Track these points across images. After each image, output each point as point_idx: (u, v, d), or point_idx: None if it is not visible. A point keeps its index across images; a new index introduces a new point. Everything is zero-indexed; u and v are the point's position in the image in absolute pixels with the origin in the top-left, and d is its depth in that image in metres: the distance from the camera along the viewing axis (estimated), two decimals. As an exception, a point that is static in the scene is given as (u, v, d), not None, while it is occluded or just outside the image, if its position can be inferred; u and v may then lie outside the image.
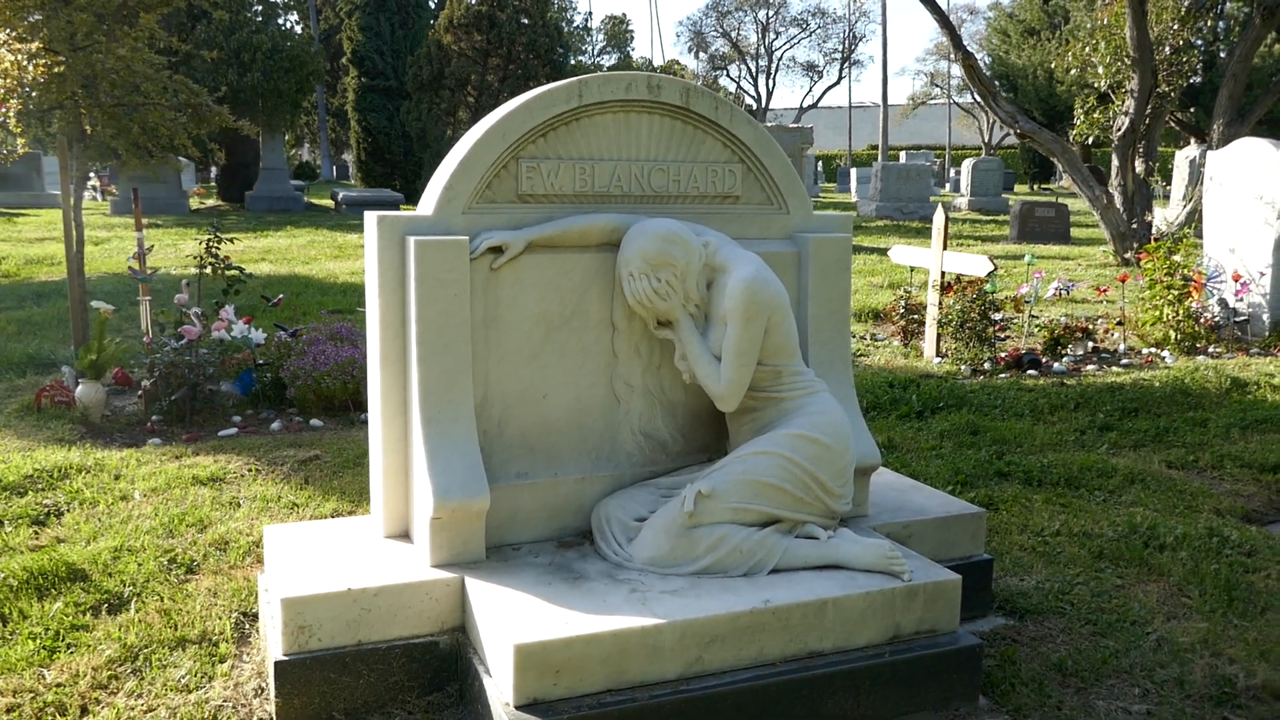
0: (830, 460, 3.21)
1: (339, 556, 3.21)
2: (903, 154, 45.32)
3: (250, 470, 5.06)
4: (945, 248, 8.24)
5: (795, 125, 16.64)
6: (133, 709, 3.01)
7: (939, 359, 8.11)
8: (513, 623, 2.77)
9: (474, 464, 3.15)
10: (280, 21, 26.36)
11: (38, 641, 3.34)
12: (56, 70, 5.34)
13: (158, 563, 3.92)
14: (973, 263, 7.93)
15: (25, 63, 5.12)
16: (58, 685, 3.11)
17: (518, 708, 2.67)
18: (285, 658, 2.94)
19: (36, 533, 4.29)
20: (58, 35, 5.42)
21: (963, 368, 7.81)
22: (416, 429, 3.17)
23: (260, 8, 24.66)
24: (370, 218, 3.26)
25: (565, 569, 3.14)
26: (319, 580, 3.03)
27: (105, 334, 6.15)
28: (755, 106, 60.37)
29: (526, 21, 23.78)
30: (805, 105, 62.63)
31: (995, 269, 7.80)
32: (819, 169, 53.97)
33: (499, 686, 2.75)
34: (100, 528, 4.30)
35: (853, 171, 37.47)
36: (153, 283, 6.49)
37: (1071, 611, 3.76)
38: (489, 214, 3.33)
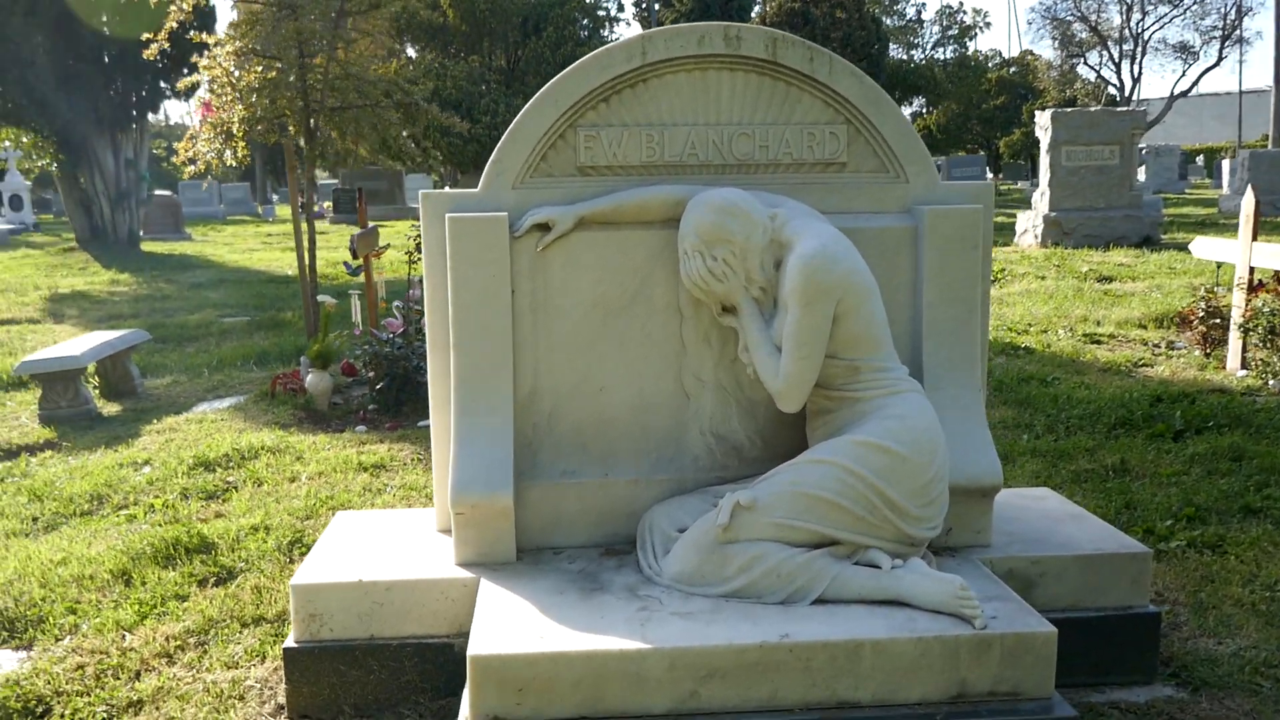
0: (905, 474, 2.66)
1: (374, 547, 3.10)
2: (1293, 143, 39.49)
3: (414, 459, 5.14)
4: (1255, 239, 6.92)
5: (1125, 109, 14.85)
6: (178, 679, 3.06)
7: (1243, 371, 6.81)
8: (488, 632, 2.50)
9: (501, 459, 2.91)
10: (605, 33, 27.47)
11: (139, 607, 3.51)
12: (270, 76, 5.75)
13: (281, 542, 4.03)
14: (1286, 255, 6.58)
15: (234, 70, 5.56)
16: (130, 650, 3.23)
17: (475, 727, 2.40)
18: (295, 645, 2.86)
19: (205, 505, 4.58)
20: (285, 43, 5.85)
21: (1271, 382, 6.49)
22: (452, 419, 2.99)
23: (588, 21, 25.88)
24: (420, 195, 3.12)
25: (591, 579, 2.82)
26: (334, 569, 2.92)
27: (331, 327, 6.54)
28: (1118, 96, 55.21)
29: (842, 16, 23.18)
30: (1177, 93, 56.33)
31: (1315, 262, 6.42)
32: (1192, 163, 48.40)
33: (466, 700, 2.49)
34: (254, 505, 4.51)
35: (1225, 164, 33.13)
36: (361, 275, 6.84)
37: (1269, 691, 2.90)
38: (544, 189, 3.08)
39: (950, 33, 45.73)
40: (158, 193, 24.51)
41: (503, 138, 3.08)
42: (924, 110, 46.94)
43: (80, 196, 18.06)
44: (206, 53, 6.16)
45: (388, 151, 24.20)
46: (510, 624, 2.54)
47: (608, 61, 3.02)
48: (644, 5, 38.56)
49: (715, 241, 2.81)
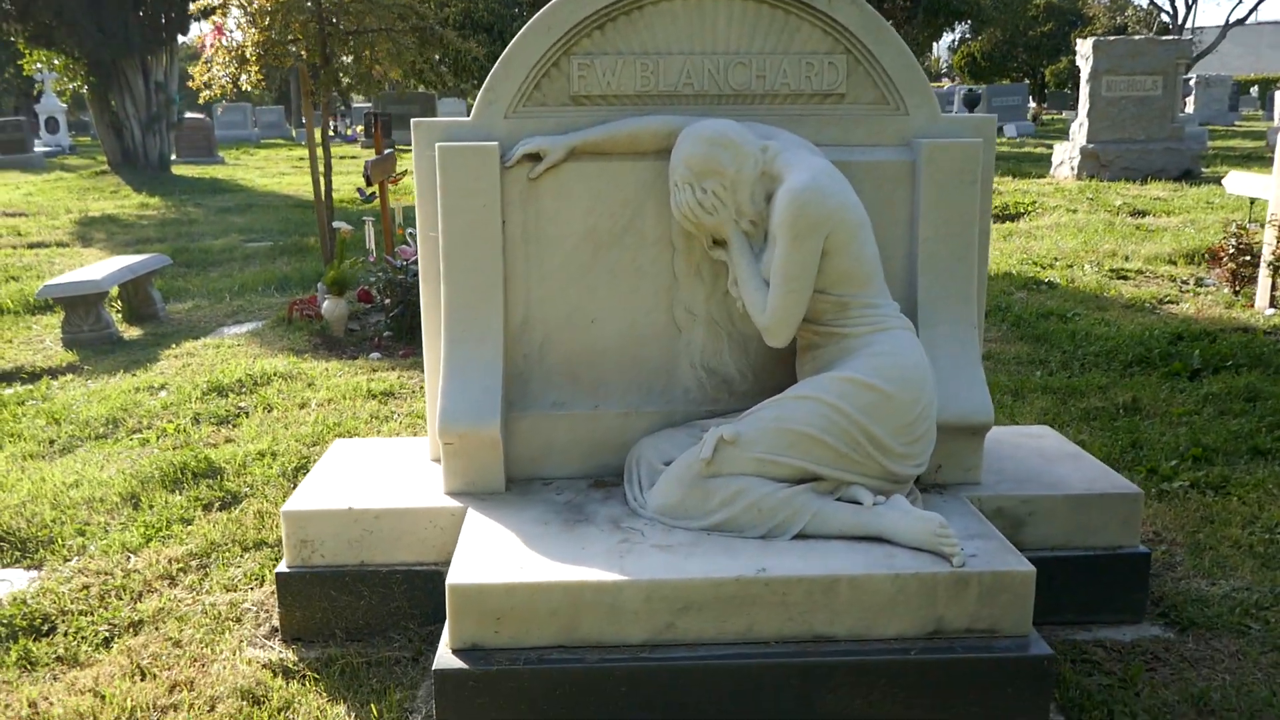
0: (890, 411, 2.64)
1: (367, 475, 3.14)
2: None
3: (422, 387, 5.18)
4: (1290, 173, 6.73)
5: (1170, 37, 14.38)
6: (178, 600, 3.14)
7: (1271, 310, 6.67)
8: (469, 561, 2.54)
9: (490, 390, 2.92)
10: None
11: (145, 530, 3.59)
12: (280, 2, 5.70)
13: (286, 468, 4.10)
14: (1320, 191, 6.40)
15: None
16: (134, 571, 3.32)
17: (454, 651, 2.44)
18: (287, 570, 2.92)
19: (216, 430, 4.65)
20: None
21: (1298, 321, 6.36)
22: (442, 349, 3.00)
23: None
24: (412, 124, 3.09)
25: (577, 510, 2.85)
26: (326, 497, 2.97)
27: (347, 254, 6.56)
28: (1171, 25, 53.44)
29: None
30: (1232, 21, 54.42)
31: (1349, 199, 6.24)
32: (1246, 94, 46.85)
33: (446, 628, 2.54)
34: (263, 431, 4.58)
35: (1278, 95, 32.09)
36: (375, 203, 6.82)
37: (1258, 632, 2.89)
38: (537, 118, 3.04)
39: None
40: (190, 115, 24.53)
41: (495, 65, 3.04)
42: (968, 36, 45.77)
43: (111, 120, 18.12)
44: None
45: (418, 75, 24.04)
46: (492, 553, 2.58)
47: (602, -13, 2.96)
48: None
49: (705, 174, 2.77)
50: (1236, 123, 31.46)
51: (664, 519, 2.73)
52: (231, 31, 6.05)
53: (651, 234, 3.04)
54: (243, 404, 5.01)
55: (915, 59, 3.10)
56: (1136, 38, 14.73)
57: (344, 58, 6.36)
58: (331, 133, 31.11)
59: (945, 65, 57.84)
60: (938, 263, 3.04)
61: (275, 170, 20.28)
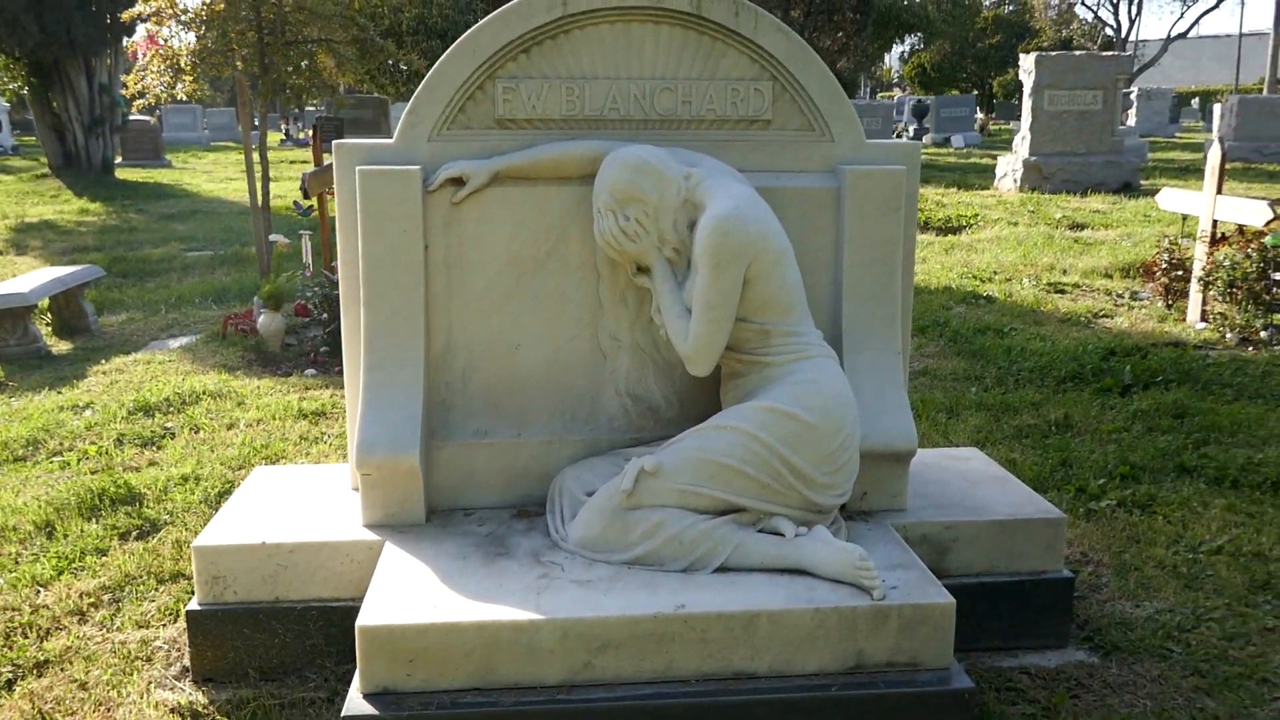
0: (812, 441, 2.62)
1: (285, 506, 3.06)
2: (1289, 86, 39.01)
3: (356, 406, 5.10)
4: (1220, 191, 6.86)
5: (1111, 53, 14.62)
6: (87, 638, 3.04)
7: (1202, 324, 6.79)
8: (381, 601, 2.48)
9: (409, 418, 2.86)
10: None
11: (57, 561, 3.48)
12: (217, 8, 5.60)
13: (209, 494, 4.00)
14: (1249, 210, 6.52)
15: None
16: (43, 607, 3.21)
17: (365, 695, 2.38)
18: (198, 607, 2.83)
19: (139, 452, 4.54)
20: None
21: (1229, 335, 6.48)
22: (361, 376, 2.94)
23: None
24: (334, 146, 3.03)
25: (498, 543, 2.80)
26: (239, 530, 2.89)
27: (284, 266, 6.45)
28: (1115, 38, 54.43)
29: (834, -48, 22.68)
30: (1174, 35, 55.57)
31: (1277, 217, 6.36)
32: (1188, 105, 47.82)
33: (357, 671, 2.47)
34: (188, 453, 4.47)
35: (1216, 108, 32.76)
36: (312, 217, 6.73)
37: (1179, 656, 2.91)
38: (461, 141, 2.99)
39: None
40: (137, 117, 24.09)
41: (419, 88, 2.99)
42: (919, 47, 46.28)
43: (53, 122, 17.70)
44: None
45: (370, 79, 23.81)
46: (406, 592, 2.52)
47: (528, 11, 2.92)
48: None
49: (627, 200, 2.74)
50: (1177, 134, 32.12)
51: (585, 552, 2.69)
52: (167, 40, 5.93)
53: (576, 259, 3.00)
54: (169, 424, 4.89)
55: (839, 86, 3.10)
56: (1077, 53, 14.97)
57: (285, 68, 6.25)
58: (284, 137, 30.77)
59: (896, 75, 58.46)
60: (862, 288, 3.04)
61: (223, 175, 19.98)
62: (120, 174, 19.05)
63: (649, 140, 3.00)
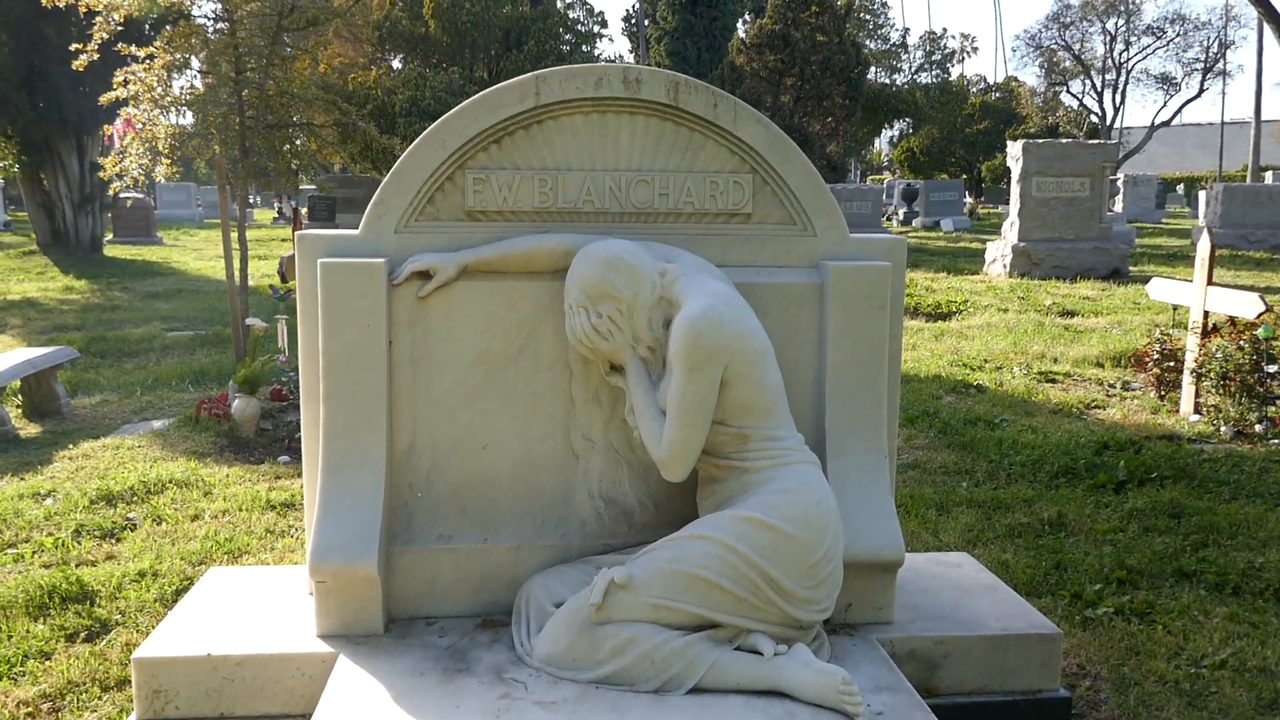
0: (791, 554, 2.48)
1: (236, 612, 2.89)
2: (1269, 175, 39.70)
3: (326, 497, 4.93)
4: (1210, 282, 6.81)
5: (1097, 141, 14.81)
6: (19, 754, 2.84)
7: (1195, 416, 6.68)
8: (328, 723, 2.30)
9: (368, 523, 2.71)
10: (588, 48, 27.33)
11: (-3, 665, 3.29)
12: (198, 93, 5.57)
13: (165, 592, 3.82)
14: (1240, 302, 6.46)
15: (157, 86, 5.36)
16: (-24, 716, 3.01)
17: (306, 830, 2.20)
18: (137, 724, 2.65)
19: (98, 545, 4.36)
20: (220, 57, 5.66)
21: (1223, 429, 6.37)
22: (319, 477, 2.79)
23: (570, 36, 25.74)
24: (296, 237, 2.93)
25: (458, 657, 2.62)
26: (184, 641, 2.71)
27: (262, 350, 6.32)
28: (1100, 125, 55.49)
29: (823, 39, 23.12)
30: (1158, 123, 56.69)
31: (1269, 309, 6.30)
32: (1173, 191, 48.55)
33: (300, 799, 2.29)
34: (148, 547, 4.29)
35: (1201, 195, 33.21)
36: (289, 300, 6.63)
37: (1183, 786, 2.72)
38: (429, 233, 2.89)
39: (934, 58, 45.93)
40: (128, 194, 24.22)
41: (386, 177, 2.90)
42: (908, 132, 47.07)
43: (42, 199, 17.76)
44: (131, 65, 5.94)
45: (365, 159, 24.03)
46: (354, 713, 2.34)
47: (499, 101, 2.84)
48: (631, 22, 38.52)
49: (600, 297, 2.64)
50: (1163, 220, 32.47)
51: (550, 669, 2.52)
52: (145, 124, 5.88)
53: (548, 356, 2.89)
54: (132, 514, 4.72)
55: (821, 179, 3.02)
56: (1064, 141, 15.13)
57: (265, 151, 6.21)
58: (277, 215, 30.91)
59: (886, 159, 59.42)
60: (846, 389, 2.92)
61: (213, 253, 19.98)
62: (110, 251, 19.04)
63: (624, 234, 2.91)
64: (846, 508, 2.78)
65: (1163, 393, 7.27)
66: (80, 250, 17.78)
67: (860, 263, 2.93)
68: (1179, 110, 59.56)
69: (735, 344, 2.53)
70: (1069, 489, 5.10)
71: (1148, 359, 7.48)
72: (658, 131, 2.92)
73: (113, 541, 4.42)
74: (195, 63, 5.84)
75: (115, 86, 5.90)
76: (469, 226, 2.90)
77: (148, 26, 14.62)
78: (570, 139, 2.91)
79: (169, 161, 6.28)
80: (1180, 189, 52.95)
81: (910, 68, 45.86)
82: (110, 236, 22.05)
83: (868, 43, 42.15)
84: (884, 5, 44.76)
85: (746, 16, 31.00)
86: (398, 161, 2.89)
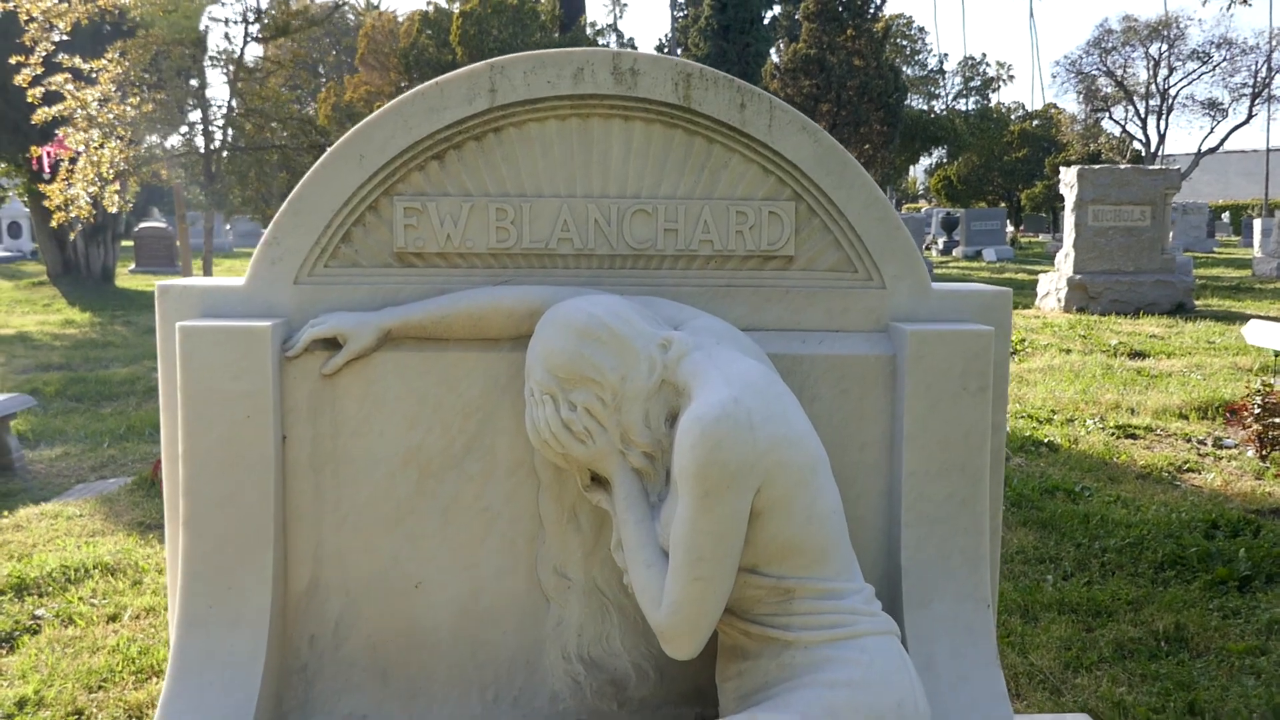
0: (860, 785, 1.60)
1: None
2: (1328, 202, 38.17)
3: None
4: (1323, 325, 5.87)
5: (1157, 167, 13.86)
6: None
7: (1309, 483, 5.71)
8: None
9: (240, 704, 1.87)
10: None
11: None
12: (145, 109, 4.85)
13: (41, 732, 2.99)
14: (1363, 349, 5.51)
15: (99, 104, 4.65)
16: None
17: None
18: None
19: (-16, 658, 3.54)
20: (177, 69, 4.97)
21: (1344, 498, 5.39)
22: (172, 633, 1.96)
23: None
24: (157, 289, 2.11)
25: None
26: None
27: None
28: (1143, 152, 54.19)
29: (859, 63, 22.27)
30: (1204, 149, 55.28)
31: (1400, 359, 5.35)
32: (1218, 220, 47.13)
33: None
34: (43, 661, 3.47)
35: (1256, 223, 31.93)
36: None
37: None
38: (342, 284, 2.07)
39: (973, 84, 45.02)
40: (150, 224, 23.78)
41: (282, 207, 2.08)
42: (944, 160, 46.05)
43: (53, 229, 17.21)
44: (63, 79, 5.25)
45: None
46: None
47: (439, 100, 2.02)
48: (664, 50, 37.95)
49: (574, 381, 1.79)
50: (1215, 250, 31.21)
51: None
52: (82, 151, 5.16)
53: (506, 458, 2.04)
54: (41, 611, 3.90)
55: (892, 209, 2.16)
56: (1122, 166, 14.17)
57: (231, 176, 5.49)
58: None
59: (922, 188, 58.38)
60: (930, 509, 2.04)
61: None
62: (126, 282, 18.49)
63: (615, 285, 2.07)
64: (933, 679, 1.91)
65: (1264, 452, 6.29)
66: (91, 280, 17.22)
67: (950, 326, 2.06)
68: (1226, 136, 58.22)
69: (772, 455, 1.67)
70: (1181, 586, 4.16)
71: (1246, 413, 6.50)
72: (663, 143, 2.09)
73: (5, 650, 3.61)
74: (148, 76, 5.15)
75: (33, 102, 5.18)
76: (399, 275, 2.07)
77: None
78: (540, 153, 2.08)
79: (114, 189, 5.56)
80: (1225, 217, 51.60)
81: (948, 94, 44.93)
82: (132, 266, 21.57)
83: (905, 69, 41.32)
84: (921, 30, 43.93)
85: (780, 44, 30.32)
86: (299, 183, 2.06)
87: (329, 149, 2.05)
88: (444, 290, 2.04)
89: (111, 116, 5.06)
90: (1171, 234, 30.49)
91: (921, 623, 1.98)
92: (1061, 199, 13.77)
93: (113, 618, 3.85)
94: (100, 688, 3.29)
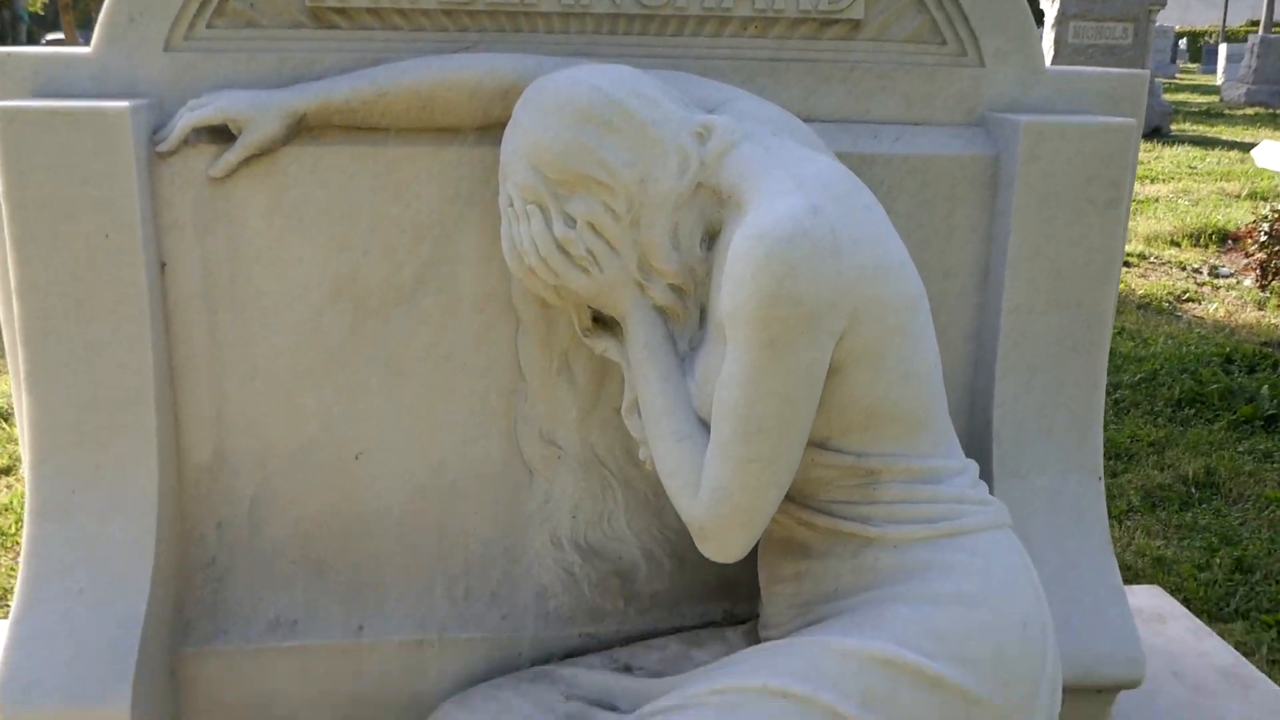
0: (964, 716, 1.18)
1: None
2: (1287, 27, 37.39)
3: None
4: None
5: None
6: None
7: (1314, 314, 5.40)
8: None
9: (120, 622, 1.39)
10: None
11: None
12: None
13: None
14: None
15: None
16: None
17: None
18: None
19: None
20: None
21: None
22: (25, 528, 1.45)
23: None
24: (-24, 53, 1.50)
25: None
26: None
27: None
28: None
29: None
30: (1168, -31, 53.84)
31: None
32: (1179, 46, 46.23)
33: None
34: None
35: (1221, 49, 31.13)
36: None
37: None
38: (234, 51, 1.47)
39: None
40: (52, 36, 21.99)
41: (145, -65, 1.46)
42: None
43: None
44: None
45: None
46: None
47: None
48: None
49: (572, 184, 1.26)
50: (1178, 75, 30.59)
51: None
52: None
53: (472, 290, 1.51)
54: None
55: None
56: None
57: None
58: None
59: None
60: (1035, 354, 1.57)
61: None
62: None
63: (616, 57, 1.51)
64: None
65: (1266, 283, 5.95)
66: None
67: (1074, 118, 1.53)
68: (1191, -43, 56.68)
69: (864, 289, 1.17)
70: (1203, 426, 3.82)
71: (1250, 240, 6.12)
72: None
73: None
74: None
75: None
76: (314, 38, 1.48)
77: None
78: None
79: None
80: (1183, 44, 50.84)
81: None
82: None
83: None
84: None
85: None
86: (166, -101, 1.44)
87: None
88: (378, 62, 1.46)
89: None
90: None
91: (1016, 496, 1.53)
92: (1042, 14, 13.00)
93: None
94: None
